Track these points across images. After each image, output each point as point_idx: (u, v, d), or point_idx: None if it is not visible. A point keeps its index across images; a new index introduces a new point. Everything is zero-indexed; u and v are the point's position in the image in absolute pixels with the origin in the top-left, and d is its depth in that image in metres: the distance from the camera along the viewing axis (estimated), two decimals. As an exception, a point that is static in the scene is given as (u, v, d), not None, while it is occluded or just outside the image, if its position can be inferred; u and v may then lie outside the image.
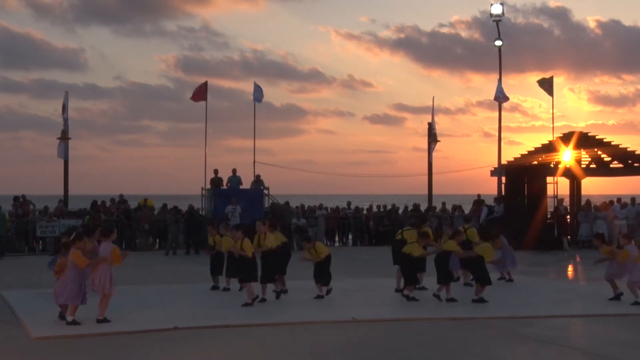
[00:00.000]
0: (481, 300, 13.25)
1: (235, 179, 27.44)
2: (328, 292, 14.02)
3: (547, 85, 30.47)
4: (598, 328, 11.09)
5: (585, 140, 28.15)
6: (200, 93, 29.44)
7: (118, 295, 11.63)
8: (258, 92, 29.58)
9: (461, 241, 14.71)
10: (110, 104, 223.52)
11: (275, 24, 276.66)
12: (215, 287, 15.10)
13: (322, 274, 14.05)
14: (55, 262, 12.64)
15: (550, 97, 30.62)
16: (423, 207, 30.96)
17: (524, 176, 25.85)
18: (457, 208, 29.80)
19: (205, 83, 29.76)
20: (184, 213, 25.74)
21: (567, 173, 27.66)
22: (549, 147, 28.51)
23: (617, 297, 13.45)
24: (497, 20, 32.53)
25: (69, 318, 11.04)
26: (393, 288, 15.32)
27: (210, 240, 15.41)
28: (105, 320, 11.12)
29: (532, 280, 16.80)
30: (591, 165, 28.21)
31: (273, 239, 13.62)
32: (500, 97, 31.94)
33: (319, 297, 13.86)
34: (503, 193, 27.74)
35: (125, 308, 12.26)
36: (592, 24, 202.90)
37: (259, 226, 13.71)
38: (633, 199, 26.29)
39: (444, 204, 29.89)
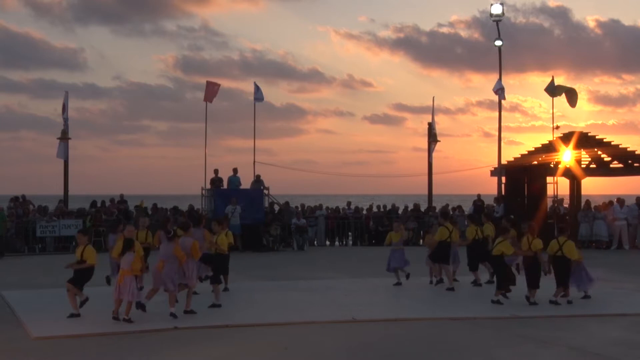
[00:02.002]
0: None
1: (235, 179, 27.44)
2: (225, 288, 13.42)
3: (560, 91, 30.22)
4: (598, 328, 11.09)
5: (585, 140, 28.12)
6: (213, 93, 29.53)
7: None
8: (259, 93, 29.62)
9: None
10: (110, 103, 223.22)
11: (275, 24, 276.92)
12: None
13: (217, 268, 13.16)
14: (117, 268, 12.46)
15: (551, 98, 30.53)
16: (423, 208, 30.97)
17: (524, 176, 25.82)
18: (457, 208, 29.84)
19: (218, 86, 29.87)
20: (183, 213, 25.75)
21: (567, 173, 27.63)
22: (549, 147, 28.48)
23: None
24: (497, 20, 32.48)
25: (171, 309, 11.48)
26: (393, 288, 15.35)
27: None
28: (192, 312, 11.76)
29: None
30: (591, 165, 28.19)
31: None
32: (500, 92, 31.75)
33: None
34: (503, 193, 27.74)
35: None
36: (591, 24, 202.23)
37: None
38: (638, 198, 26.18)
39: (446, 205, 29.87)
